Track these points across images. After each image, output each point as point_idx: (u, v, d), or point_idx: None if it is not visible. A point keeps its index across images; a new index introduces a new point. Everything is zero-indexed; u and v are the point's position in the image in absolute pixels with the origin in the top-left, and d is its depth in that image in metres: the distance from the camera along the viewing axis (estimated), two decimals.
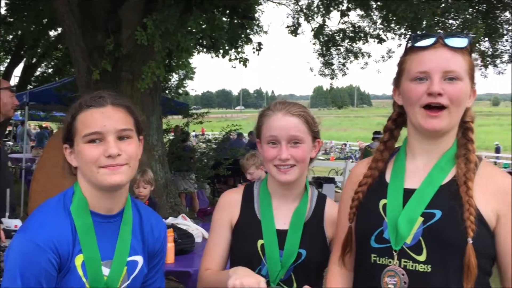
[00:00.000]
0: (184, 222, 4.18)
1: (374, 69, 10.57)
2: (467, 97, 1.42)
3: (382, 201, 1.45)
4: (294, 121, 1.70)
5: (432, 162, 1.46)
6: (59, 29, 12.48)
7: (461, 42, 1.39)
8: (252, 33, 10.86)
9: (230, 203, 1.82)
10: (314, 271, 1.74)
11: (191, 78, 18.74)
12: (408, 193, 1.43)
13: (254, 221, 1.75)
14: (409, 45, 1.46)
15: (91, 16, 6.65)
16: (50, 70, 15.85)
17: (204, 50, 10.77)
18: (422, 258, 1.35)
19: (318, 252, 1.73)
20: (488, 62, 9.35)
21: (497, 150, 30.86)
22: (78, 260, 1.38)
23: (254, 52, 7.65)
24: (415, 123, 1.43)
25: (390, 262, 1.39)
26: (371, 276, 1.43)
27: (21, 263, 1.31)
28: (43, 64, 15.11)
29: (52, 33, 13.34)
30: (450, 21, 8.12)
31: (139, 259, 1.52)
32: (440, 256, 1.34)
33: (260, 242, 1.70)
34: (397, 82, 1.51)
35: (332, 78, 10.39)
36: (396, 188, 1.45)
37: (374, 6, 7.94)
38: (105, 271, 1.42)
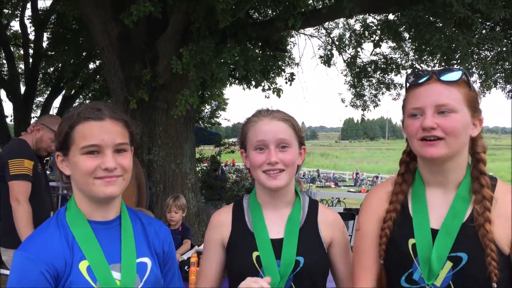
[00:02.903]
0: None
1: None
2: (466, 127, 1.45)
3: (411, 241, 1.48)
4: (281, 124, 1.69)
5: (449, 195, 1.50)
6: (97, 62, 12.93)
7: (454, 75, 1.45)
8: (283, 64, 10.99)
9: (220, 223, 1.78)
10: (314, 278, 1.67)
11: (224, 109, 19.02)
12: (433, 232, 1.47)
13: (247, 234, 1.70)
14: (408, 84, 1.54)
15: (129, 48, 6.88)
16: (87, 101, 16.35)
17: (236, 81, 10.94)
18: None
19: (316, 258, 1.67)
20: None
21: None
22: (83, 266, 1.39)
23: (286, 83, 7.71)
24: (417, 153, 1.52)
25: None
26: None
27: (16, 277, 1.35)
28: (81, 95, 15.59)
29: (91, 65, 13.83)
30: (485, 52, 8.02)
31: (147, 261, 1.53)
32: None
33: (255, 254, 1.65)
34: (403, 118, 1.59)
35: (363, 110, 10.33)
36: (423, 227, 1.49)
37: (407, 36, 7.93)
38: (115, 275, 1.42)
